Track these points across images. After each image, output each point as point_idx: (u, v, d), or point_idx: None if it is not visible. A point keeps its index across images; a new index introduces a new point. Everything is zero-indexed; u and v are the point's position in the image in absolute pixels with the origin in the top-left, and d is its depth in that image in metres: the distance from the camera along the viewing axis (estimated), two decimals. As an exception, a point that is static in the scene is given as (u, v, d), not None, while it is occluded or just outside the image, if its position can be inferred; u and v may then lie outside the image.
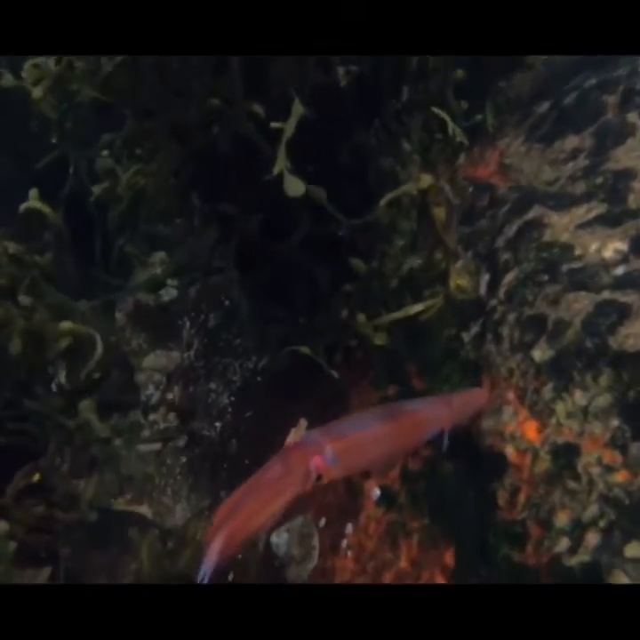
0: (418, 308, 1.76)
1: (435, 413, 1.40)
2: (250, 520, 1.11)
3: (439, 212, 1.63)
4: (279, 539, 1.97)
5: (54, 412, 1.64)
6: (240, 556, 1.90)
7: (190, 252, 2.64)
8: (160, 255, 3.04)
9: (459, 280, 1.74)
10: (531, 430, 1.53)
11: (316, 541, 1.94)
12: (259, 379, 2.49)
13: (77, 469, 1.64)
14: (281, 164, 1.37)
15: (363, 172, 1.76)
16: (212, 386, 2.69)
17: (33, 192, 1.74)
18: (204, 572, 1.05)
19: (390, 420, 1.32)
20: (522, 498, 1.48)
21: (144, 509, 2.37)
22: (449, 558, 1.61)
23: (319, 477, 1.19)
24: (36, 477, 1.60)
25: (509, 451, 1.54)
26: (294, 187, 1.41)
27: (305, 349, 1.80)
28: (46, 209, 1.76)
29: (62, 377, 1.74)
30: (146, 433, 2.62)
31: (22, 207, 1.71)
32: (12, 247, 1.74)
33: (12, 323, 1.55)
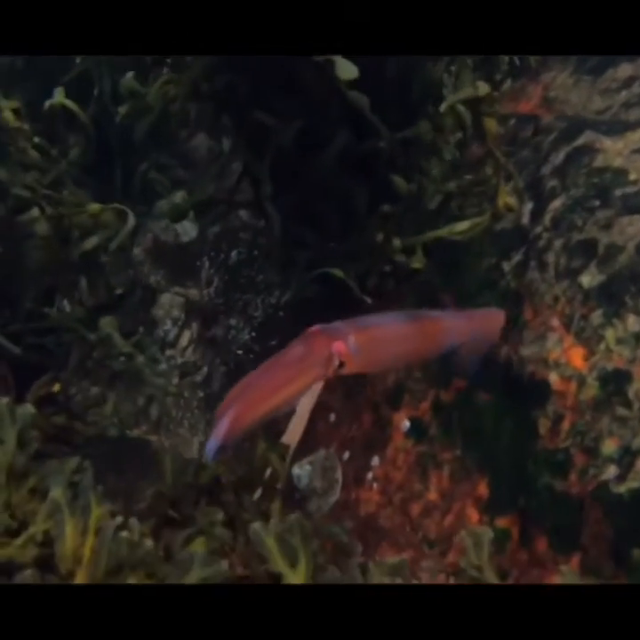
0: (463, 225, 1.66)
1: (455, 323, 1.34)
2: (265, 398, 1.06)
3: (491, 124, 1.54)
4: (301, 470, 1.91)
5: (76, 323, 1.57)
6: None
7: (216, 181, 2.55)
8: (181, 192, 2.96)
9: (507, 198, 1.64)
10: (576, 357, 1.45)
11: (339, 474, 1.88)
12: (281, 313, 2.41)
13: (98, 384, 1.57)
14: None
15: (408, 82, 1.66)
16: (233, 322, 2.62)
17: (59, 90, 1.65)
18: (211, 448, 1.00)
19: (413, 321, 1.29)
20: (565, 425, 1.41)
21: (161, 440, 2.32)
22: (483, 489, 1.54)
23: (341, 364, 1.13)
24: (56, 388, 1.53)
25: (553, 378, 1.46)
26: (347, 69, 1.32)
27: (337, 272, 1.71)
28: (73, 105, 1.67)
29: (84, 290, 1.66)
30: (163, 367, 2.56)
31: (47, 103, 1.62)
32: (37, 139, 1.65)
33: (38, 211, 1.46)
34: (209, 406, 2.45)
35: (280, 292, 2.46)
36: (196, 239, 3.08)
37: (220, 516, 1.12)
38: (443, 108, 1.47)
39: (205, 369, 2.56)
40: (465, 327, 1.35)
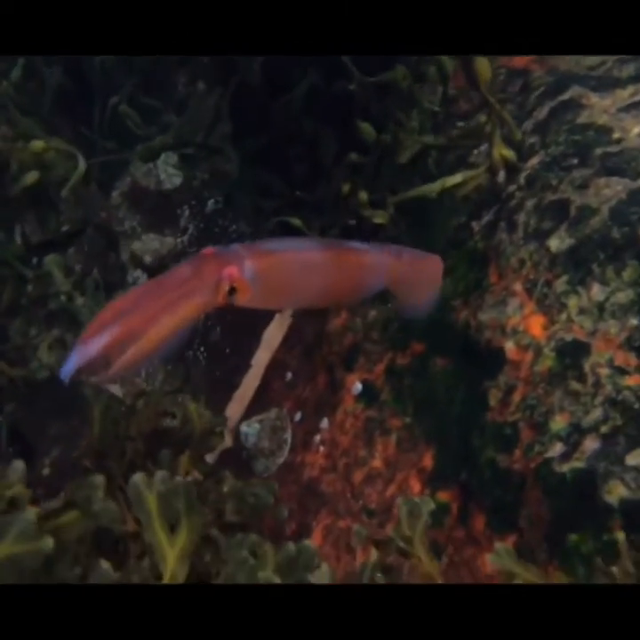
0: (456, 179, 1.53)
1: (379, 259, 1.15)
2: (143, 325, 0.89)
3: (483, 66, 1.40)
4: (249, 429, 1.82)
5: (13, 258, 1.47)
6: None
7: (191, 122, 2.43)
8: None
9: (503, 150, 1.51)
10: (536, 325, 1.34)
11: (288, 435, 1.79)
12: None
13: (31, 324, 1.48)
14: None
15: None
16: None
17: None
18: (67, 370, 0.84)
19: (329, 250, 1.09)
20: (516, 398, 1.30)
21: (115, 389, 2.23)
22: (428, 460, 1.45)
23: (232, 291, 0.97)
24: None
25: (509, 346, 1.36)
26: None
27: (295, 221, 1.60)
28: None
29: (28, 226, 1.55)
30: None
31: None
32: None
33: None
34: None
35: (250, 242, 2.35)
36: (180, 187, 2.97)
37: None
38: None
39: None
40: (390, 265, 1.16)
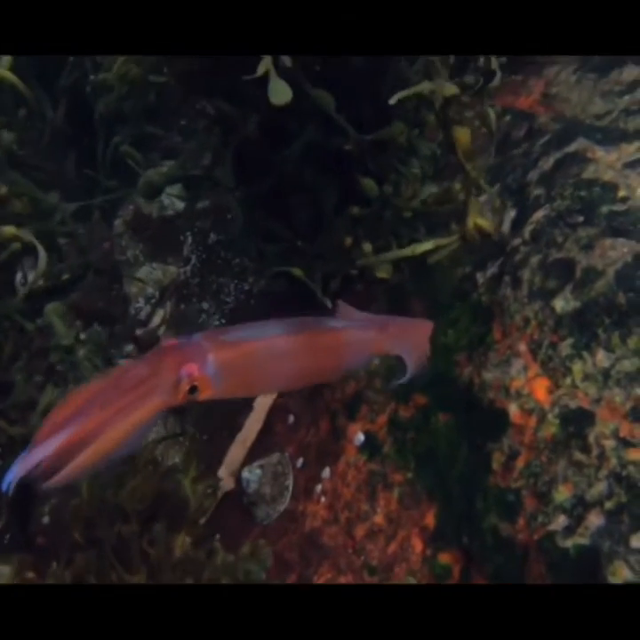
0: (427, 246, 1.53)
1: (360, 336, 1.13)
2: (95, 430, 0.85)
3: (462, 134, 1.39)
4: (250, 474, 1.81)
5: (13, 311, 1.46)
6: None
7: (192, 158, 2.42)
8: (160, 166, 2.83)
9: (478, 219, 1.51)
10: (540, 389, 1.33)
11: (290, 481, 1.78)
12: (252, 302, 2.30)
13: (32, 378, 1.47)
14: (267, 63, 1.14)
15: (379, 80, 1.51)
16: (205, 306, 2.51)
17: (5, 59, 1.51)
18: (10, 480, 0.81)
19: (301, 333, 1.05)
20: (520, 463, 1.29)
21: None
22: (430, 519, 1.44)
23: (193, 389, 0.94)
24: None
25: (513, 409, 1.35)
26: (279, 92, 1.16)
27: (297, 271, 1.59)
28: (12, 78, 1.52)
29: (23, 277, 1.54)
30: (130, 348, 2.46)
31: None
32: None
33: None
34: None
35: (254, 279, 2.34)
36: (182, 213, 2.96)
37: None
38: (393, 100, 1.30)
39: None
40: (375, 338, 1.15)
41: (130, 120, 2.27)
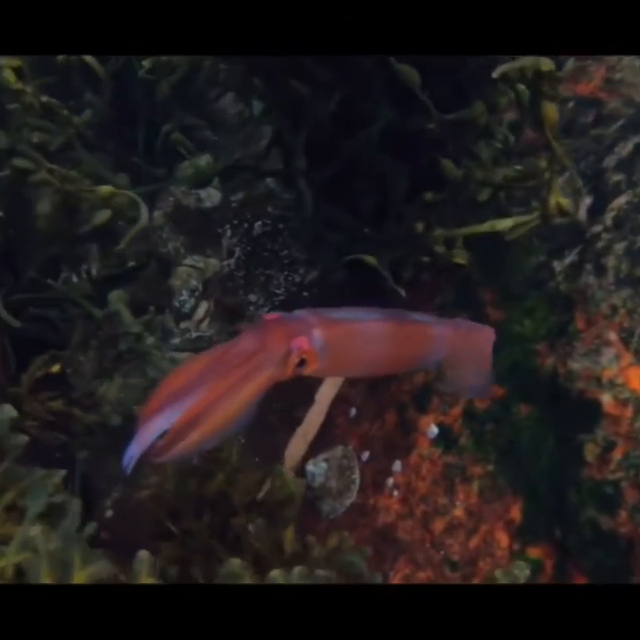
0: (506, 223, 1.49)
1: (441, 332, 1.11)
2: (208, 407, 0.83)
3: (551, 110, 1.35)
4: (316, 468, 1.78)
5: (82, 298, 1.43)
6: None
7: (244, 146, 2.39)
8: (205, 156, 2.80)
9: (560, 198, 1.47)
10: (635, 379, 1.30)
11: (356, 475, 1.74)
12: (305, 294, 2.26)
13: (102, 366, 1.44)
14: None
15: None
16: (252, 298, 2.47)
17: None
18: (130, 457, 0.79)
19: (394, 321, 1.04)
20: (617, 455, 1.26)
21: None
22: (515, 512, 1.40)
23: (301, 362, 0.91)
24: (56, 368, 1.39)
25: (606, 399, 1.31)
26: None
27: (370, 259, 1.56)
28: (88, 57, 1.50)
29: (93, 261, 1.51)
30: (176, 340, 2.43)
31: (61, 57, 1.45)
32: (45, 98, 1.49)
33: (43, 183, 1.30)
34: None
35: (305, 270, 2.30)
36: (219, 205, 2.93)
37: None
38: (496, 73, 1.27)
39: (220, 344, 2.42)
40: (450, 338, 1.12)
41: (183, 105, 2.23)
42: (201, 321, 2.64)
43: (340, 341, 0.97)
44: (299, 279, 2.31)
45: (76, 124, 1.55)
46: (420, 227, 1.62)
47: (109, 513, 1.74)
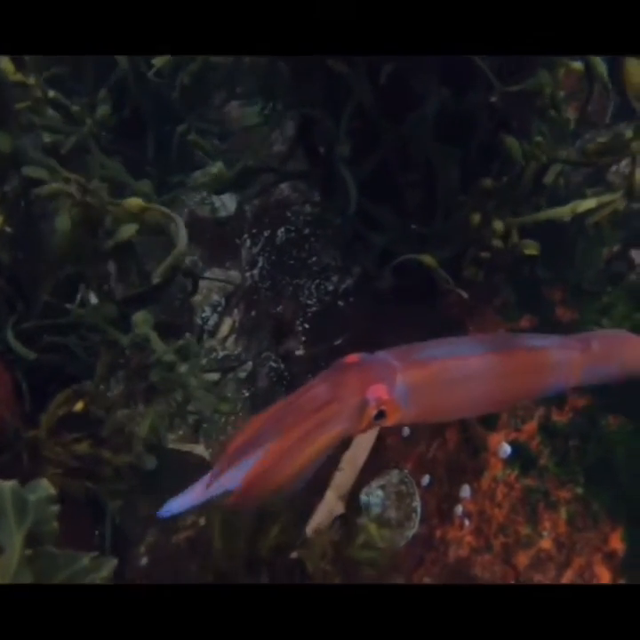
0: (589, 203, 1.30)
1: (562, 357, 0.94)
2: (278, 461, 0.78)
3: (635, 72, 1.17)
4: (371, 497, 1.59)
5: (105, 323, 1.25)
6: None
7: (264, 147, 2.22)
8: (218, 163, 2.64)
9: None
10: None
11: (417, 503, 1.56)
12: (340, 303, 2.08)
13: (130, 399, 1.26)
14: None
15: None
16: (280, 310, 2.29)
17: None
18: (179, 508, 0.76)
19: (496, 352, 0.89)
20: None
21: (200, 450, 2.02)
22: (616, 542, 1.22)
23: (380, 414, 0.81)
24: (79, 406, 1.22)
25: None
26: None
27: (428, 259, 1.38)
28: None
29: (113, 280, 1.34)
30: (202, 361, 2.25)
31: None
32: (54, 94, 1.32)
33: (59, 194, 1.13)
34: (255, 408, 2.15)
35: (339, 277, 2.12)
36: (235, 214, 2.76)
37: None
38: None
39: (250, 364, 2.25)
40: (577, 361, 0.95)
41: (190, 109, 2.06)
42: (226, 338, 2.47)
43: (429, 385, 0.85)
44: (332, 287, 2.13)
45: (90, 121, 1.37)
46: (476, 219, 1.44)
47: (144, 560, 1.56)
